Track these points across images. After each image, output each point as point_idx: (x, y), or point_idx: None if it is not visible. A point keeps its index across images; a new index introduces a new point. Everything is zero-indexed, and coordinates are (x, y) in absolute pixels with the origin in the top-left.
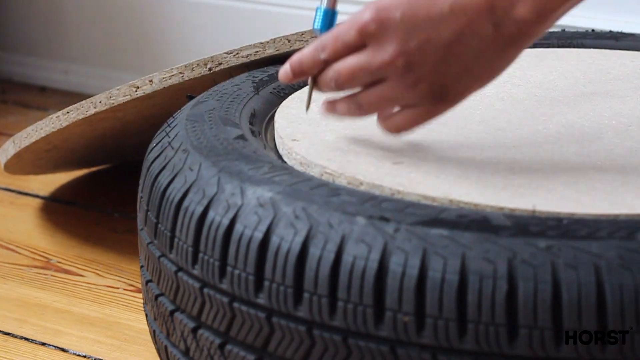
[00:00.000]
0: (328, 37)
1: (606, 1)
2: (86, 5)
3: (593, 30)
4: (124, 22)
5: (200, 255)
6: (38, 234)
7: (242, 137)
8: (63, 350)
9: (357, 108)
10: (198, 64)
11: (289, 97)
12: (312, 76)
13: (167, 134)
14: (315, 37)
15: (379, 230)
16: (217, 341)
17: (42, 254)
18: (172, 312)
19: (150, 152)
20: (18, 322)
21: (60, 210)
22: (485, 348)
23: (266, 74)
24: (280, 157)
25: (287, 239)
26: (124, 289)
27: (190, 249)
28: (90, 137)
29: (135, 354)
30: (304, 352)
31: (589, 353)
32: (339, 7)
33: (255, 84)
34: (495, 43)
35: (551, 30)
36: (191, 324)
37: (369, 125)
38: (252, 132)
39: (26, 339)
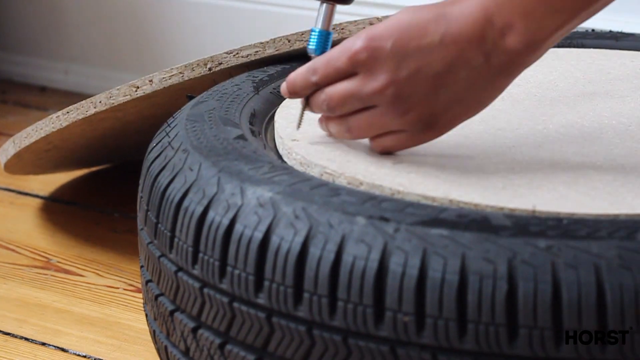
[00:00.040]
0: (321, 60)
1: None
2: (86, 5)
3: (593, 30)
4: (124, 22)
5: (200, 255)
6: (38, 234)
7: (242, 137)
8: (63, 350)
9: (346, 131)
10: (198, 64)
11: None
12: (305, 97)
13: (167, 134)
14: (311, 57)
15: (379, 230)
16: (217, 341)
17: (42, 254)
18: (172, 312)
19: (150, 152)
20: (18, 322)
21: (60, 210)
22: (485, 348)
23: (266, 74)
24: (280, 157)
25: (287, 239)
26: (124, 289)
27: (190, 249)
28: (90, 137)
29: (135, 354)
30: (304, 352)
31: (589, 353)
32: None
33: (255, 84)
34: (486, 73)
35: None
36: (191, 324)
37: None
38: (252, 132)
39: (26, 339)
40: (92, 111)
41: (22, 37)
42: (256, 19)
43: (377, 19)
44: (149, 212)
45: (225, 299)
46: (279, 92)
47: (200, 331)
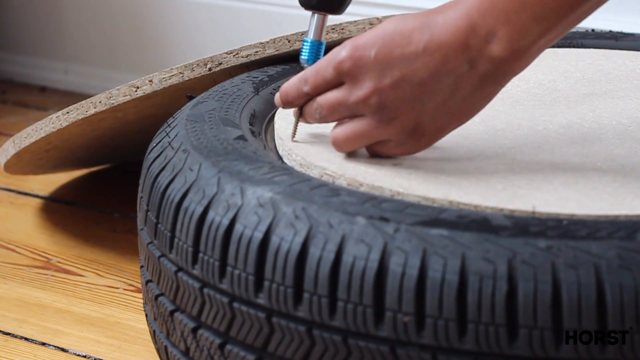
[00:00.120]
0: (311, 70)
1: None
2: (86, 5)
3: (593, 30)
4: (124, 22)
5: (200, 255)
6: (38, 234)
7: (242, 137)
8: (63, 350)
9: (333, 142)
10: (198, 64)
11: None
12: (298, 107)
13: (167, 134)
14: (304, 67)
15: (379, 231)
16: (217, 341)
17: (42, 254)
18: (172, 312)
19: (150, 152)
20: (18, 322)
21: (60, 210)
22: (485, 348)
23: (266, 75)
24: (280, 158)
25: (287, 239)
26: (124, 289)
27: (190, 249)
28: (90, 137)
29: (135, 354)
30: (304, 352)
31: (589, 353)
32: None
33: (255, 85)
34: (471, 81)
35: None
36: (191, 324)
37: None
38: (252, 132)
39: (26, 339)
40: (92, 111)
41: (22, 37)
42: (256, 19)
43: (377, 19)
44: (149, 212)
45: (225, 299)
46: None
47: (200, 331)
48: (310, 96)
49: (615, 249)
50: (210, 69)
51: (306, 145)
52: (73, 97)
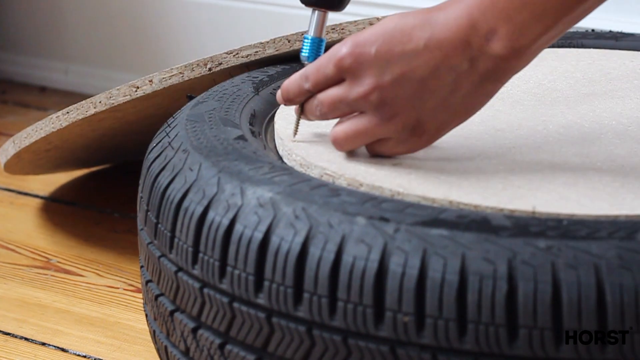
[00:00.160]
0: (312, 67)
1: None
2: (86, 5)
3: (593, 30)
4: (124, 22)
5: (200, 255)
6: (38, 234)
7: (242, 137)
8: (63, 350)
9: (333, 141)
10: (198, 64)
11: None
12: (299, 104)
13: (167, 134)
14: (304, 65)
15: (379, 231)
16: (217, 341)
17: (42, 254)
18: (172, 312)
19: (150, 152)
20: (18, 322)
21: (60, 210)
22: (485, 348)
23: (266, 75)
24: (280, 158)
25: (287, 239)
26: (124, 289)
27: (190, 249)
28: (90, 137)
29: (135, 354)
30: (304, 353)
31: (589, 353)
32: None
33: (255, 85)
34: (472, 78)
35: None
36: (191, 324)
37: None
38: (252, 132)
39: (26, 339)
40: (92, 111)
41: (22, 37)
42: (256, 19)
43: (377, 19)
44: (149, 212)
45: (225, 299)
46: None
47: (200, 331)
48: (311, 93)
49: (615, 249)
50: (210, 69)
51: (306, 146)
52: (73, 97)
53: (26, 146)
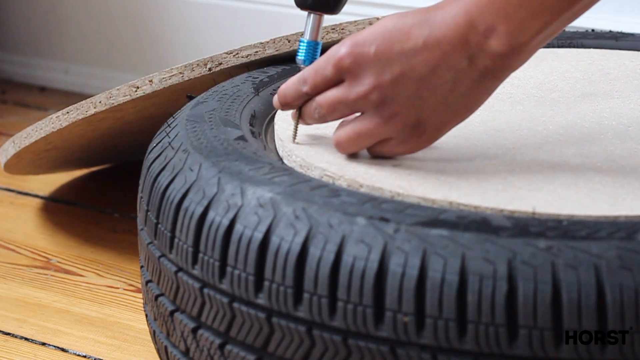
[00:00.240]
0: (309, 70)
1: (606, 1)
2: (86, 5)
3: (593, 30)
4: (124, 22)
5: (200, 255)
6: (38, 234)
7: (242, 138)
8: (63, 350)
9: (336, 145)
10: (198, 64)
11: None
12: (297, 108)
13: (167, 134)
14: (300, 68)
15: (378, 231)
16: (217, 341)
17: (42, 254)
18: (172, 312)
19: (150, 152)
20: (18, 322)
21: (60, 210)
22: (485, 348)
23: (266, 75)
24: (280, 158)
25: (287, 239)
26: (124, 289)
27: (190, 249)
28: (90, 137)
29: (135, 354)
30: (304, 353)
31: (589, 353)
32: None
33: (255, 85)
34: (471, 76)
35: None
36: (191, 324)
37: None
38: (252, 133)
39: (26, 339)
40: (92, 111)
41: (22, 37)
42: (256, 19)
43: (377, 19)
44: (149, 213)
45: (225, 299)
46: None
47: (200, 331)
48: (310, 96)
49: (615, 250)
50: (210, 69)
51: (306, 147)
52: (73, 97)
53: (26, 146)
